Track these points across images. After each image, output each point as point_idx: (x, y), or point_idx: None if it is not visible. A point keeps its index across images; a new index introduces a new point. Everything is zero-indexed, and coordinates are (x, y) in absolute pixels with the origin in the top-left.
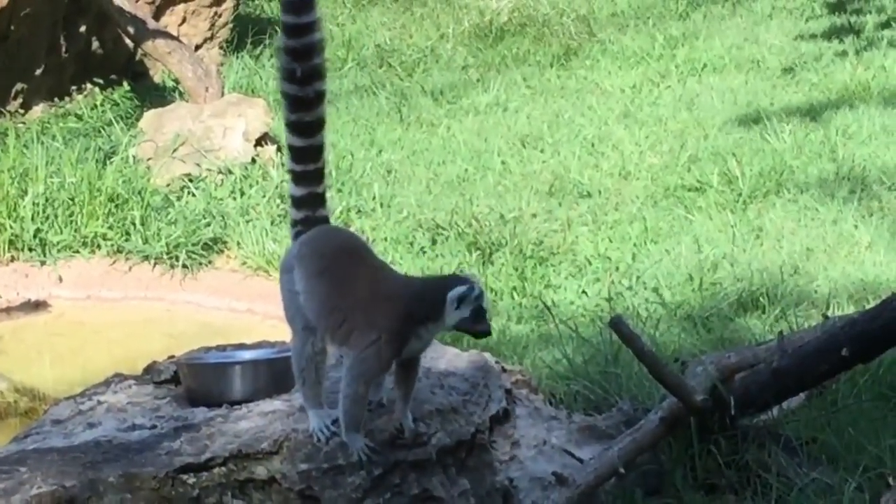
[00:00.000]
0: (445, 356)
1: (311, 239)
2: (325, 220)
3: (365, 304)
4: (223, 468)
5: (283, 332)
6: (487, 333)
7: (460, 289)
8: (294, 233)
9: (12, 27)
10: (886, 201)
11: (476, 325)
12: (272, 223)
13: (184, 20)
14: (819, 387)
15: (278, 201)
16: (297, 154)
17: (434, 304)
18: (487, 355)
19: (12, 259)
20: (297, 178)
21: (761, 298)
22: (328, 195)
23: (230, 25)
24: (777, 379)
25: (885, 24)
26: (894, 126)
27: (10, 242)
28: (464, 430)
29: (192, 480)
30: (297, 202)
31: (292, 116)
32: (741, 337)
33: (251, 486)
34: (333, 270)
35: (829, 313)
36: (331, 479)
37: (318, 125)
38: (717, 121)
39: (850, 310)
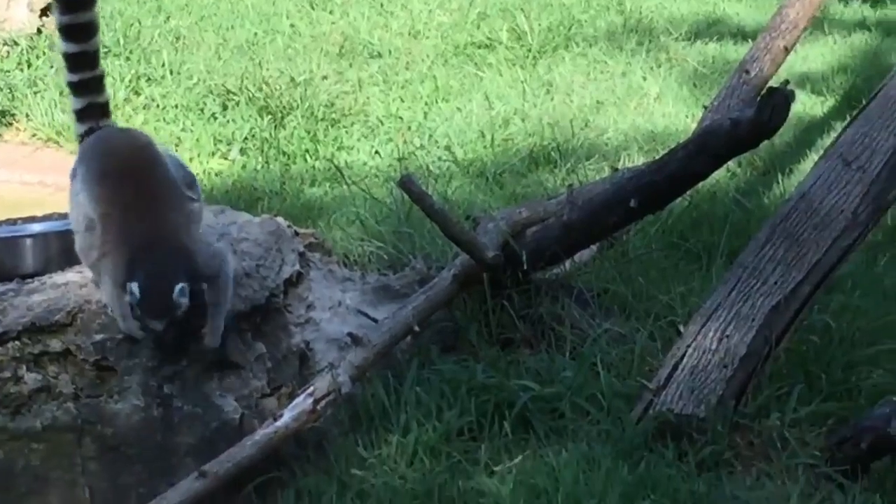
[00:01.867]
0: (238, 221)
1: (96, 141)
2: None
3: (113, 246)
4: (17, 342)
5: None
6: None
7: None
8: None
9: None
10: (674, 52)
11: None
12: (61, 94)
13: None
14: (610, 239)
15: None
16: (72, 62)
17: None
18: (280, 219)
19: None
20: (76, 88)
21: (553, 153)
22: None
23: None
24: (567, 232)
25: None
26: None
27: None
28: (258, 294)
29: None
30: (80, 115)
31: (64, 18)
32: (534, 192)
33: (46, 359)
34: (106, 192)
35: (620, 165)
36: (126, 348)
37: (91, 28)
38: None
39: (640, 161)
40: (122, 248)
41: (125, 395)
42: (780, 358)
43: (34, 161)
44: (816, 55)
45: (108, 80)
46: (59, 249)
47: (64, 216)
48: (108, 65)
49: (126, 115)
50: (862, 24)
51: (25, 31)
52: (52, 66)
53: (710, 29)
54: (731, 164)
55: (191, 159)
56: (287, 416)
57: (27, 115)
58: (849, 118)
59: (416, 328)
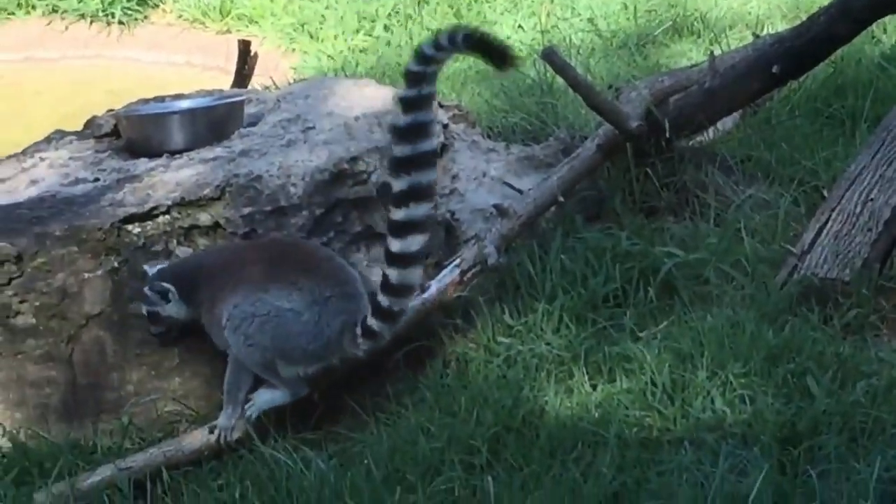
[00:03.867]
0: (381, 94)
1: None
2: None
3: None
4: (167, 216)
5: (221, 82)
6: None
7: None
8: None
9: None
10: None
11: None
12: None
13: None
14: (753, 106)
15: None
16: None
17: None
18: None
19: None
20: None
21: (695, 23)
22: None
23: None
24: (710, 99)
25: None
26: None
27: None
28: None
29: (137, 230)
30: None
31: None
32: (676, 63)
33: (196, 232)
34: None
35: (761, 33)
36: (274, 220)
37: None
38: None
39: (782, 28)
40: None
41: None
42: None
43: (181, 42)
44: None
45: None
46: (207, 125)
47: (211, 93)
48: None
49: None
50: None
51: None
52: None
53: None
54: (875, 29)
55: (335, 37)
56: (434, 286)
57: None
58: None
59: (561, 198)
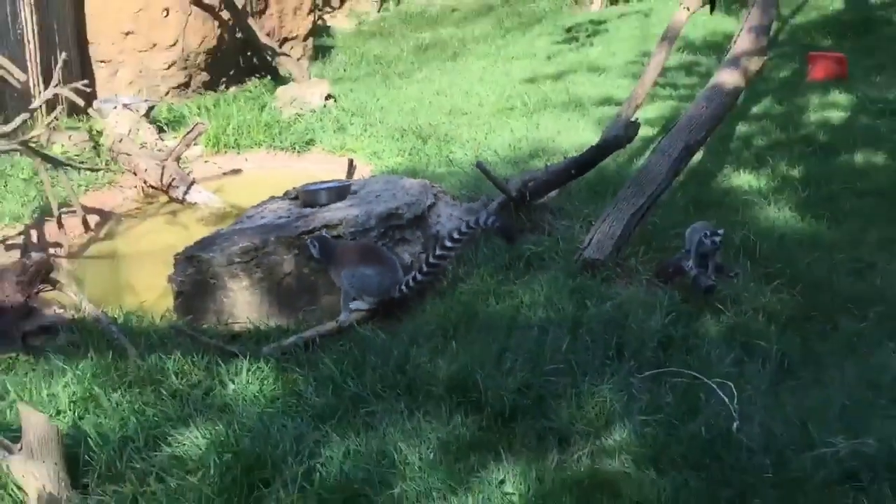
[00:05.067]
0: (413, 182)
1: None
2: None
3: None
4: (319, 232)
5: (342, 176)
6: None
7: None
8: None
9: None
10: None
11: None
12: (337, 129)
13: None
14: (566, 186)
15: None
16: None
17: None
18: (425, 180)
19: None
20: None
21: (540, 154)
22: None
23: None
24: (546, 183)
25: None
26: None
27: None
28: (416, 209)
29: (306, 237)
30: None
31: None
32: (535, 166)
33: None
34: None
35: (555, 160)
36: (363, 234)
37: None
38: None
39: (573, 155)
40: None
41: None
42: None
43: (326, 159)
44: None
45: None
46: (336, 194)
47: (339, 181)
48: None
49: (354, 135)
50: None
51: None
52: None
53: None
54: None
55: (389, 157)
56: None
57: (321, 140)
58: None
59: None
